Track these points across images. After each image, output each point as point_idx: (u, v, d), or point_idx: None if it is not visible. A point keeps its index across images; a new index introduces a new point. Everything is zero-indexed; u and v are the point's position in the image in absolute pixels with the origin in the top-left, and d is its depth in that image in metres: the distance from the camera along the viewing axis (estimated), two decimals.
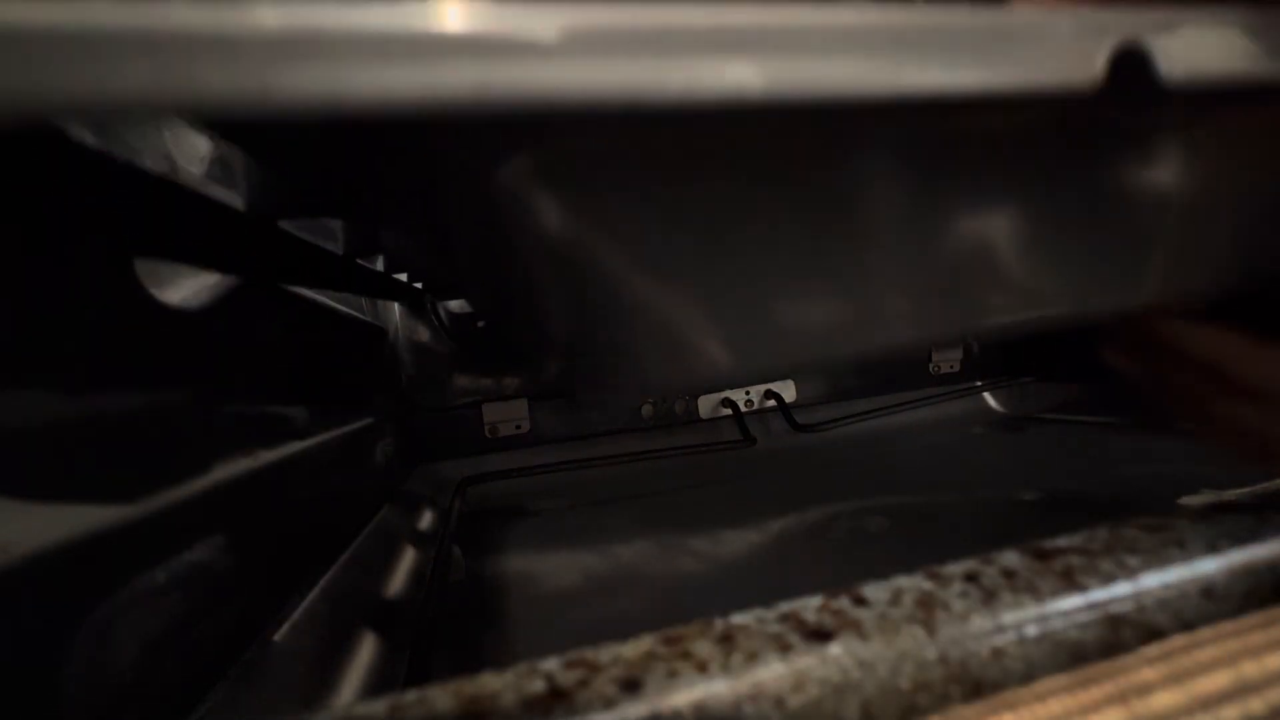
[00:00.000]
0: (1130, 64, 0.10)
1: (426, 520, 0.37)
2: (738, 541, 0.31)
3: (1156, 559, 0.10)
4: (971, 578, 0.10)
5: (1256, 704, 0.08)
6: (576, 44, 0.07)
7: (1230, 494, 0.13)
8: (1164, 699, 0.08)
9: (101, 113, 0.07)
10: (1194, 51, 0.11)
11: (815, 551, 0.29)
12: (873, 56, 0.09)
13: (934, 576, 0.10)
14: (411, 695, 0.09)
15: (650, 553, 0.31)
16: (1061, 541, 0.11)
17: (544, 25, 0.07)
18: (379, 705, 0.09)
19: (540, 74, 0.07)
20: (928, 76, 0.09)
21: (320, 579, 0.23)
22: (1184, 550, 0.11)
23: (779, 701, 0.08)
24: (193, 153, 0.23)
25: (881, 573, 0.11)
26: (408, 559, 0.31)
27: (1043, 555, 0.11)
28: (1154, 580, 0.10)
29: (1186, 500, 0.12)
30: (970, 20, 0.09)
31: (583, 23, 0.07)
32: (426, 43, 0.07)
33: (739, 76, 0.08)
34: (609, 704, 0.08)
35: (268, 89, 0.07)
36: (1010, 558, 0.11)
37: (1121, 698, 0.08)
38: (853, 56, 0.09)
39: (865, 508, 0.32)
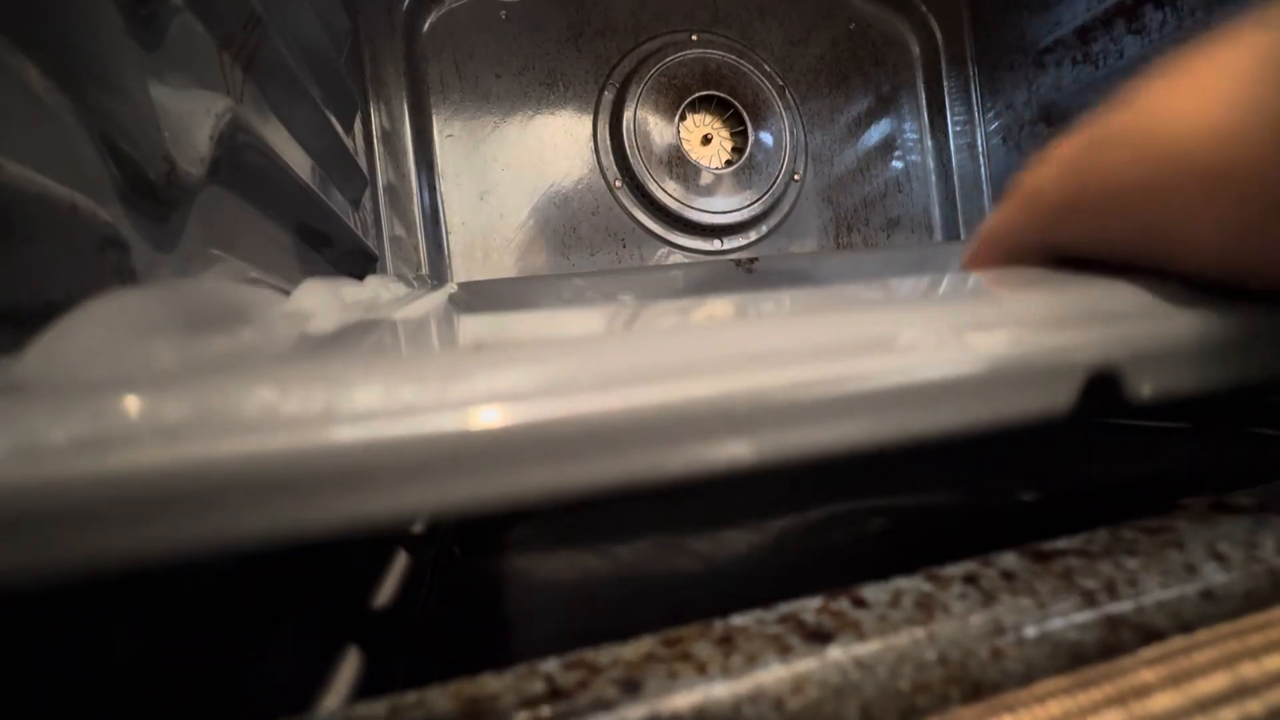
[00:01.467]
0: (1101, 388, 0.11)
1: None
2: (737, 542, 0.31)
3: (1156, 561, 0.10)
4: (971, 579, 0.10)
5: (1255, 706, 0.08)
6: (599, 442, 0.09)
7: (1230, 496, 0.13)
8: (1163, 701, 0.08)
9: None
10: (1164, 368, 0.11)
11: (815, 552, 0.29)
12: (856, 419, 0.10)
13: (933, 578, 0.10)
14: (411, 696, 0.09)
15: (650, 552, 0.31)
16: (1061, 543, 0.11)
17: (573, 426, 0.09)
18: (379, 706, 0.09)
19: (568, 471, 0.09)
20: (908, 427, 0.10)
21: (319, 578, 0.23)
22: (1183, 552, 0.11)
23: (778, 703, 0.08)
24: (193, 153, 0.23)
25: (881, 574, 0.11)
26: (407, 559, 0.31)
27: (1042, 557, 0.11)
28: (1153, 582, 0.10)
29: (1186, 502, 0.12)
30: (941, 372, 0.10)
31: (602, 418, 0.09)
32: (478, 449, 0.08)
33: (733, 452, 0.09)
34: (609, 706, 0.08)
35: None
36: (1009, 559, 0.11)
37: (1120, 699, 0.08)
38: (838, 421, 0.10)
39: (865, 508, 0.32)
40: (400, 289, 0.39)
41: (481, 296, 0.59)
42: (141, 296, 0.12)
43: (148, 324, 0.11)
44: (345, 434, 0.08)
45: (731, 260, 0.75)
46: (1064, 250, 0.15)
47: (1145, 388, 0.11)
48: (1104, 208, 0.14)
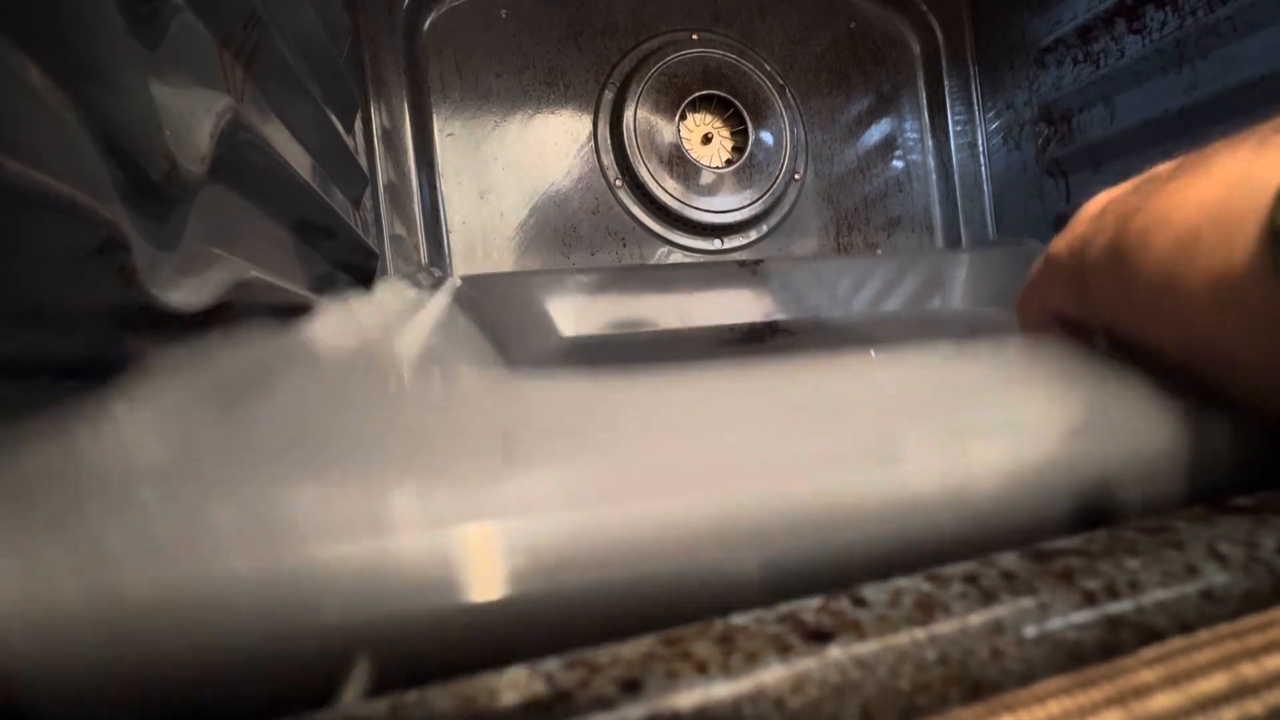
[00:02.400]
0: (1094, 500, 0.11)
1: None
2: None
3: (1156, 560, 0.10)
4: (971, 579, 0.10)
5: (1255, 706, 0.08)
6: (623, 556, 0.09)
7: (1230, 496, 0.13)
8: (1162, 701, 0.08)
9: None
10: (1154, 480, 0.12)
11: None
12: (858, 531, 0.10)
13: (933, 578, 0.10)
14: (412, 695, 0.09)
15: None
16: (1061, 543, 0.11)
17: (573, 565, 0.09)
18: (379, 705, 0.09)
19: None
20: (907, 538, 0.11)
21: None
22: (1183, 552, 0.11)
23: (778, 703, 0.08)
24: (193, 152, 0.23)
25: (881, 573, 0.11)
26: None
27: (1042, 557, 0.11)
28: (1153, 582, 0.10)
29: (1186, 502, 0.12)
30: (941, 485, 0.10)
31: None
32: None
33: (740, 564, 0.10)
34: (609, 705, 0.08)
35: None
36: (1009, 559, 0.11)
37: (1120, 699, 0.08)
38: (842, 535, 0.10)
39: None
40: (409, 291, 0.39)
41: (485, 292, 0.60)
42: (180, 369, 0.13)
43: (191, 398, 0.12)
44: (387, 544, 0.08)
45: (736, 261, 0.75)
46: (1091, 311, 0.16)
47: (1136, 497, 0.11)
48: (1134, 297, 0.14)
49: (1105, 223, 0.15)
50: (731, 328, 0.70)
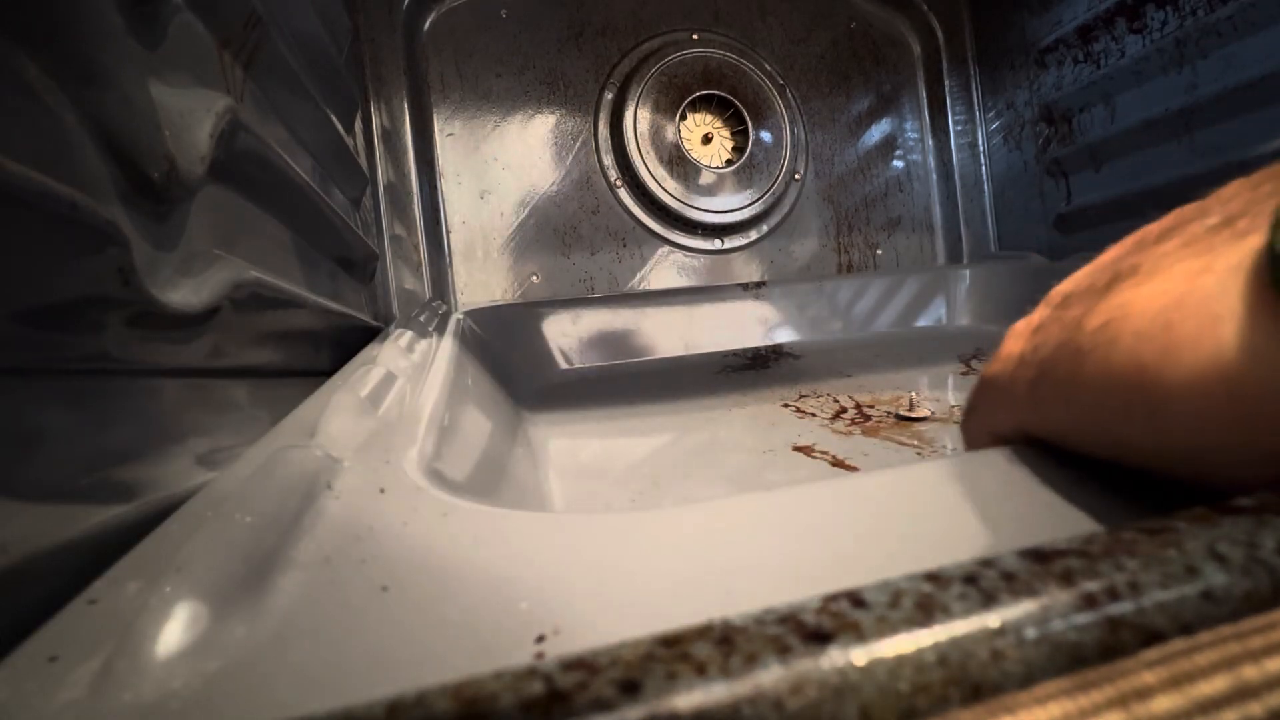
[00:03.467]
0: None
1: None
2: None
3: (1156, 561, 0.10)
4: (971, 580, 0.10)
5: (1256, 708, 0.08)
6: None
7: (1230, 497, 0.13)
8: (1163, 703, 0.08)
9: None
10: None
11: None
12: None
13: (933, 579, 0.10)
14: (411, 696, 0.09)
15: None
16: (1061, 544, 0.11)
17: None
18: (378, 706, 0.09)
19: None
20: None
21: None
22: (1183, 553, 0.11)
23: (777, 704, 0.08)
24: (193, 152, 0.23)
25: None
26: None
27: (1042, 558, 0.11)
28: (1153, 583, 0.10)
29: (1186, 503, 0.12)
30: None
31: None
32: None
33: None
34: (608, 706, 0.08)
35: None
36: (1010, 560, 0.11)
37: (1121, 701, 0.08)
38: None
39: None
40: (414, 340, 0.39)
41: (486, 326, 0.60)
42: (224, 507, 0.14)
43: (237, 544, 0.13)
44: None
45: (738, 284, 0.75)
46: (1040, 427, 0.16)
47: None
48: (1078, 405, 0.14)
49: (1048, 334, 0.15)
50: (735, 353, 0.70)
